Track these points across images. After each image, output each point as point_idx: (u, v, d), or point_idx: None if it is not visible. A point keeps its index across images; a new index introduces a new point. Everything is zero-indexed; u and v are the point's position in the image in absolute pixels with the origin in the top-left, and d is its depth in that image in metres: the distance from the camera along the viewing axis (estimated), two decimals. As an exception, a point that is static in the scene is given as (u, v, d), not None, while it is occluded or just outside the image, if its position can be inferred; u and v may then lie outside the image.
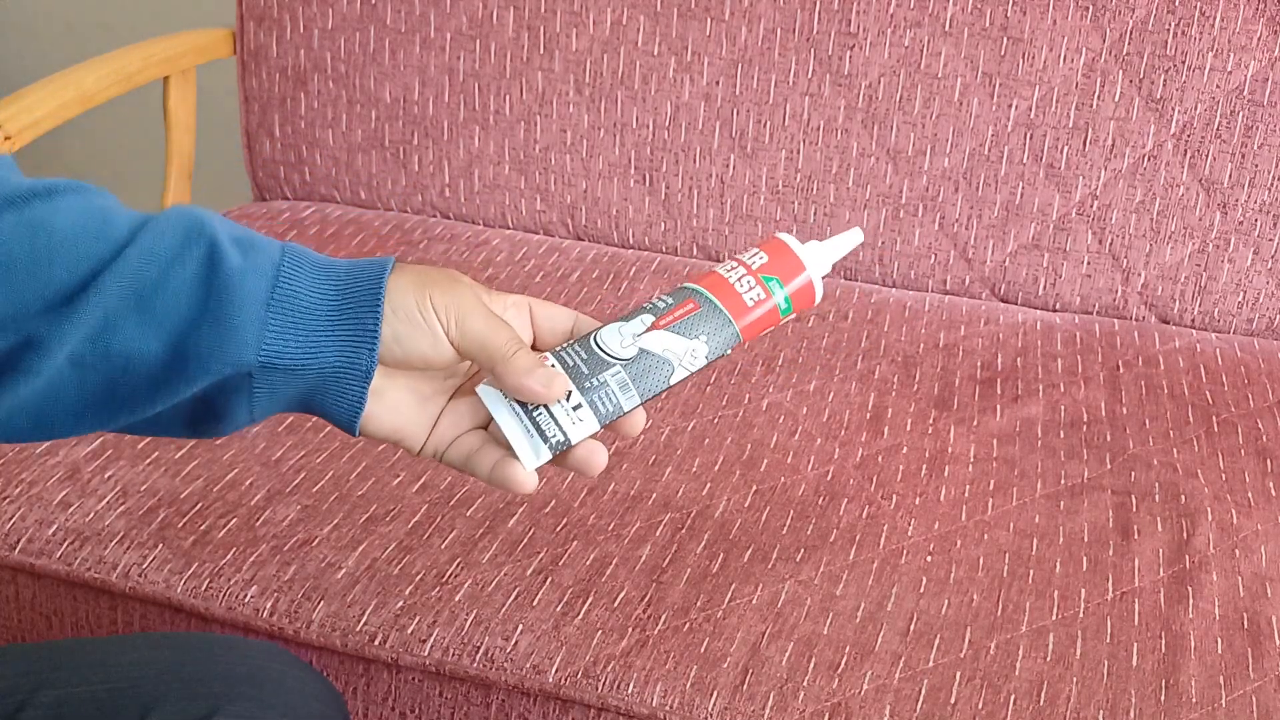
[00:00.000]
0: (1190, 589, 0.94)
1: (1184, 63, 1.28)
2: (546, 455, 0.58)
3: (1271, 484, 1.07)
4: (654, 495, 1.02)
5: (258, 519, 0.97)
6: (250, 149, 1.57)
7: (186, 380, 0.53)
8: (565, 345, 0.59)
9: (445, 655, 0.88)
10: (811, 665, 0.86)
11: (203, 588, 0.92)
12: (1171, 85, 1.29)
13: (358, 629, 0.89)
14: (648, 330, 0.59)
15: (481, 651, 0.87)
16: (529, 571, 0.93)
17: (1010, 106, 1.33)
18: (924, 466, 1.07)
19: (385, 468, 1.04)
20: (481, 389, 0.59)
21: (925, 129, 1.35)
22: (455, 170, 1.49)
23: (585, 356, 0.58)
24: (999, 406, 1.16)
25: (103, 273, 0.51)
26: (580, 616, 0.89)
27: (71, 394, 0.52)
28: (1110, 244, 1.34)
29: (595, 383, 0.58)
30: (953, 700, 0.83)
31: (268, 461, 1.04)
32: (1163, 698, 0.84)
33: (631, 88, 1.42)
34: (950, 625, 0.89)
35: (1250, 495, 1.05)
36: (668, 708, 0.84)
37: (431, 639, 0.88)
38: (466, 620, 0.89)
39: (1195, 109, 1.29)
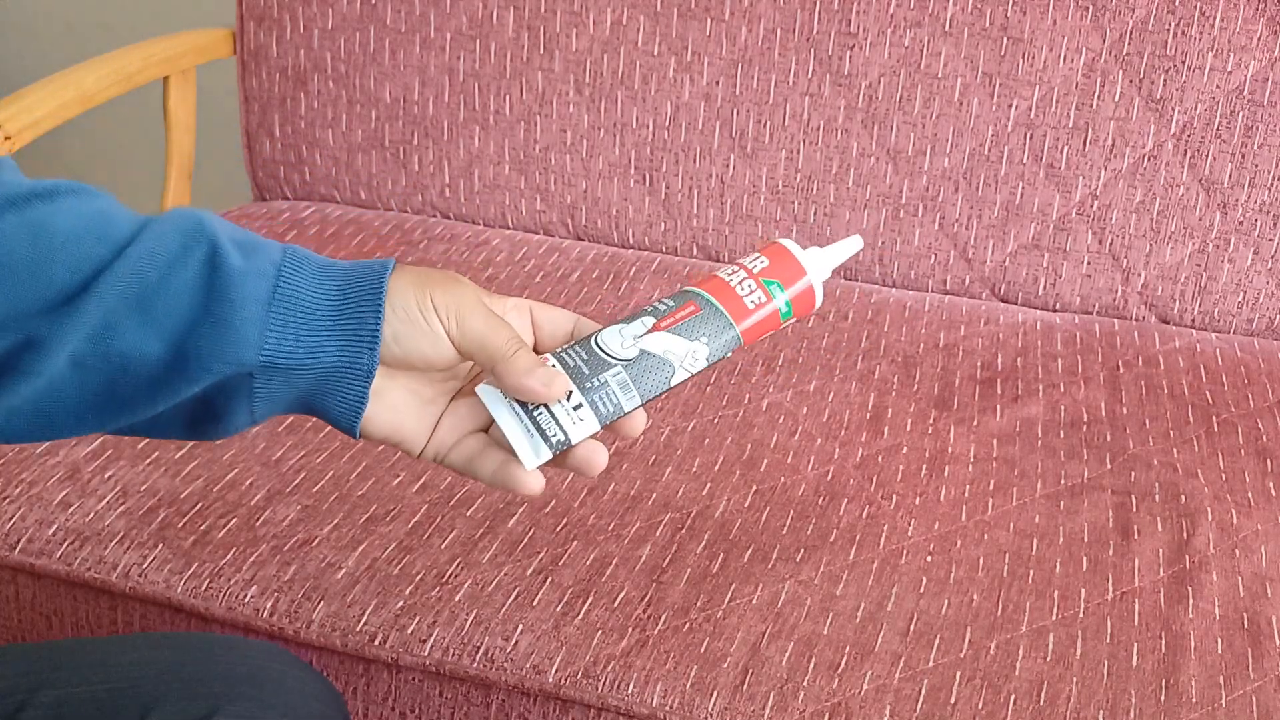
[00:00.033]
0: (1190, 589, 0.94)
1: (1184, 63, 1.28)
2: (547, 455, 0.58)
3: (1271, 484, 1.07)
4: (654, 495, 1.02)
5: (258, 519, 0.97)
6: (250, 149, 1.57)
7: (187, 380, 0.53)
8: (566, 346, 0.59)
9: (445, 655, 0.88)
10: (811, 665, 0.86)
11: (203, 588, 0.92)
12: (1171, 85, 1.29)
13: (358, 629, 0.89)
14: (649, 332, 0.59)
15: (481, 651, 0.87)
16: (529, 571, 0.93)
17: (1010, 106, 1.33)
18: (924, 466, 1.07)
19: (385, 468, 1.04)
20: (481, 389, 0.59)
21: (925, 129, 1.35)
22: (455, 170, 1.49)
23: (586, 357, 0.59)
24: (999, 406, 1.16)
25: (103, 273, 0.51)
26: (580, 616, 0.89)
27: (72, 394, 0.52)
28: (1110, 244, 1.34)
29: (596, 383, 0.58)
30: (953, 700, 0.83)
31: (268, 461, 1.04)
32: (1163, 698, 0.84)
33: (631, 88, 1.42)
34: (950, 625, 0.89)
35: (1250, 495, 1.05)
36: (668, 708, 0.84)
37: (431, 639, 0.88)
38: (466, 620, 0.89)
39: (1195, 109, 1.29)
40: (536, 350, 0.61)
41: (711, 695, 0.84)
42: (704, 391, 1.16)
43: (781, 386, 1.18)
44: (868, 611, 0.90)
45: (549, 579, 0.92)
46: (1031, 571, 0.95)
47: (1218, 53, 1.27)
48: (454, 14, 1.44)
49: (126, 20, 1.96)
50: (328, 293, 0.55)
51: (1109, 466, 1.08)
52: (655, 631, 0.88)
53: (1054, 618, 0.91)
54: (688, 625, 0.88)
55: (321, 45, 1.49)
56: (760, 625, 0.89)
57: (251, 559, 0.94)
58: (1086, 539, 0.99)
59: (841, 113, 1.37)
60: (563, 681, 0.86)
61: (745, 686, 0.84)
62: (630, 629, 0.88)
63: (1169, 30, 1.28)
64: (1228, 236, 1.31)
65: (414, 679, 0.90)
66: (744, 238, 1.43)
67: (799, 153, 1.39)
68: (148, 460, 1.03)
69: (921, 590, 0.93)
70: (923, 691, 0.84)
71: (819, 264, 0.63)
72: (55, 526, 0.97)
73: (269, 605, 0.91)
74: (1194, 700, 0.84)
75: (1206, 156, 1.30)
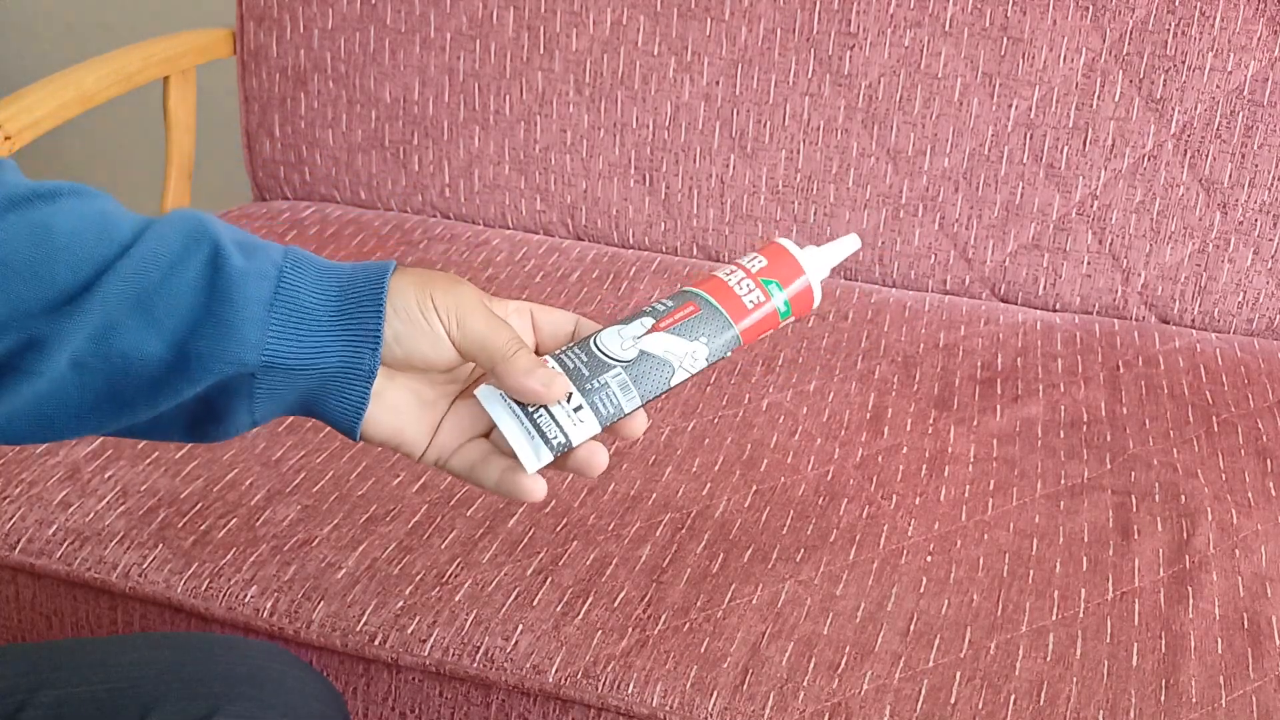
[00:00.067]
0: (1190, 589, 0.94)
1: (1184, 63, 1.28)
2: (548, 457, 0.58)
3: (1271, 484, 1.07)
4: (654, 495, 1.02)
5: (258, 519, 0.97)
6: (250, 149, 1.57)
7: (188, 381, 0.53)
8: (565, 348, 0.59)
9: (445, 655, 0.88)
10: (811, 665, 0.86)
11: (203, 588, 0.92)
12: (1171, 85, 1.29)
13: (358, 629, 0.89)
14: (648, 333, 0.59)
15: (481, 651, 0.88)
16: (529, 571, 0.93)
17: (1010, 106, 1.33)
18: (924, 466, 1.07)
19: (385, 468, 1.04)
20: (481, 391, 0.59)
21: (925, 129, 1.35)
22: (455, 170, 1.49)
23: (586, 359, 0.59)
24: (999, 406, 1.16)
25: (105, 274, 0.51)
26: (580, 616, 0.89)
27: (73, 395, 0.52)
28: (1110, 244, 1.34)
29: (596, 384, 0.58)
30: (953, 700, 0.83)
31: (268, 461, 1.04)
32: (1163, 698, 0.84)
33: (631, 88, 1.42)
34: (950, 625, 0.89)
35: (1250, 495, 1.05)
36: (668, 708, 0.84)
37: (431, 639, 0.88)
38: (466, 620, 0.89)
39: (1195, 109, 1.29)
40: (537, 352, 0.61)
41: (711, 695, 0.84)
42: (704, 391, 1.16)
43: (781, 386, 1.18)
44: (868, 611, 0.90)
45: (549, 579, 0.92)
46: (1031, 571, 0.95)
47: (1218, 53, 1.27)
48: (454, 14, 1.44)
49: (126, 20, 1.96)
50: (329, 294, 0.55)
51: (1109, 466, 1.08)
52: (655, 631, 0.88)
53: (1054, 618, 0.91)
54: (688, 625, 0.89)
55: (321, 45, 1.49)
56: (760, 625, 0.89)
57: (251, 559, 0.94)
58: (1086, 539, 0.99)
59: (841, 113, 1.37)
60: (563, 681, 0.86)
61: (745, 686, 0.84)
62: (630, 629, 0.88)
63: (1169, 30, 1.28)
64: (1228, 236, 1.31)
65: (414, 679, 0.91)
66: (744, 238, 1.43)
67: (799, 153, 1.39)
68: (148, 460, 1.03)
69: (921, 590, 0.93)
70: (923, 691, 0.84)
71: (817, 263, 0.63)
72: (55, 526, 0.97)
73: (269, 605, 0.91)
74: (1194, 700, 0.84)
75: (1206, 156, 1.30)
